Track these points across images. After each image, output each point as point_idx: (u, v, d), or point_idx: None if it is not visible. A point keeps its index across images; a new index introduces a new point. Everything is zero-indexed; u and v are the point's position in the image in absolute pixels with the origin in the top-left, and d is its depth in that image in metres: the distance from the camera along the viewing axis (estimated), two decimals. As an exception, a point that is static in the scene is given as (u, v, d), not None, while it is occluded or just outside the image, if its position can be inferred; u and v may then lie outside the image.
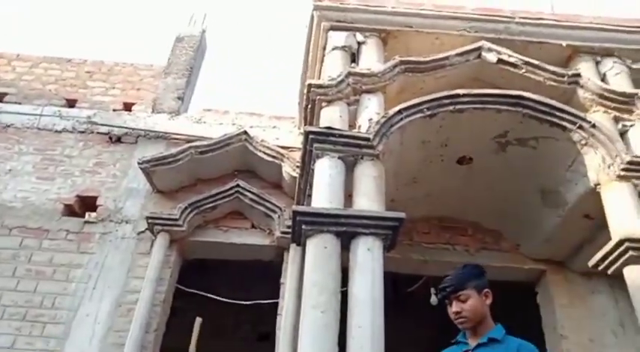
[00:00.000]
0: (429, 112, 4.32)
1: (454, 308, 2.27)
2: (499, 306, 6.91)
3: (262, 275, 5.64)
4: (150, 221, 5.32)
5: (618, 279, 4.14)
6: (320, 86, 4.50)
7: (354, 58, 4.87)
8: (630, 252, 3.80)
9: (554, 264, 5.20)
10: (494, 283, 5.67)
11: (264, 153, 5.69)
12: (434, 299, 5.44)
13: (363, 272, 3.52)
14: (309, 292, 3.49)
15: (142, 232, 5.47)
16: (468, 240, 5.31)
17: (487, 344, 2.20)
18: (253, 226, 5.60)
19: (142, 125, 6.35)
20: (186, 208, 5.37)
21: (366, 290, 3.43)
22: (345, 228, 3.69)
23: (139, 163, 5.58)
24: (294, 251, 5.08)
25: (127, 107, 6.70)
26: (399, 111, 4.27)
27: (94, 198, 5.80)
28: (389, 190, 4.31)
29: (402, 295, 6.13)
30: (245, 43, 28.15)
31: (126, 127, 6.34)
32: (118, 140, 6.29)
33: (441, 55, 4.78)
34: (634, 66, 4.88)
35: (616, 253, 3.89)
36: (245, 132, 5.76)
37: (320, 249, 3.65)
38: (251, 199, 5.48)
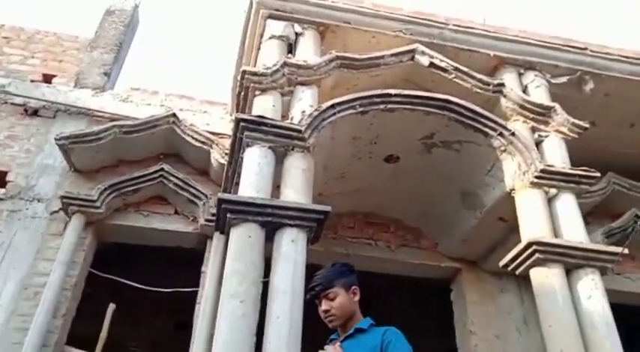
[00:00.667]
0: (361, 109, 4.38)
1: (323, 306, 2.29)
2: (417, 303, 7.20)
3: (183, 262, 5.50)
4: (64, 201, 5.03)
5: (525, 280, 4.41)
6: (254, 74, 4.43)
7: (291, 48, 4.83)
8: (537, 255, 4.05)
9: (468, 263, 5.45)
10: (413, 279, 5.91)
11: (193, 138, 5.54)
12: (354, 293, 5.55)
13: (286, 263, 3.52)
14: (229, 281, 3.45)
15: (55, 212, 5.16)
16: (390, 236, 5.45)
17: (353, 335, 2.24)
18: (177, 212, 5.44)
19: (62, 99, 5.97)
20: (105, 190, 5.12)
21: (287, 281, 3.44)
22: (271, 219, 3.67)
23: (56, 139, 5.25)
24: (217, 239, 4.99)
25: (47, 79, 6.29)
26: (332, 106, 4.30)
27: (4, 173, 5.41)
28: (317, 184, 4.33)
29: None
30: (181, 22, 27.28)
31: (44, 100, 5.94)
32: (35, 113, 5.89)
33: (376, 54, 4.86)
34: (553, 80, 5.18)
35: (524, 255, 4.14)
36: (174, 115, 5.57)
37: (244, 238, 3.61)
38: (176, 184, 5.32)
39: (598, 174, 4.46)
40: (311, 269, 4.86)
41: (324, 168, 4.76)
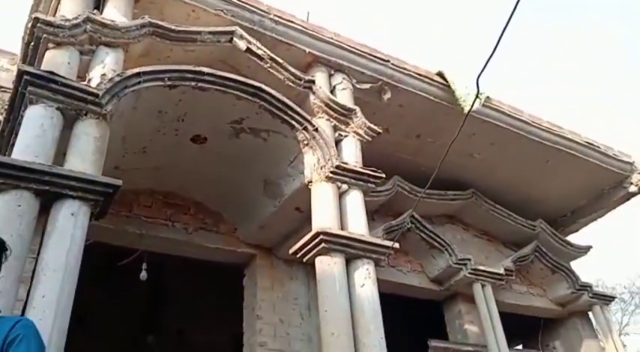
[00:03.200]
0: (170, 83, 4.18)
1: None
2: (214, 287, 7.12)
3: None
4: None
5: (313, 268, 4.68)
6: (50, 24, 3.92)
7: (98, 4, 4.40)
8: (323, 244, 4.33)
9: (263, 250, 5.60)
10: (210, 263, 5.85)
11: (-35, 87, 4.70)
12: (144, 275, 5.30)
13: (61, 238, 3.18)
14: (-13, 254, 2.98)
15: None
16: (189, 218, 5.32)
17: None
18: None
19: None
20: None
21: (60, 258, 3.10)
22: (49, 188, 3.28)
23: None
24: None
25: None
26: (138, 74, 4.02)
27: None
28: (114, 156, 4.02)
29: (115, 268, 5.80)
30: (-24, -45, 23.08)
31: None
32: None
33: (194, 29, 4.69)
34: (357, 85, 5.60)
35: (312, 244, 4.39)
36: (-58, 57, 4.66)
37: (11, 206, 3.16)
38: None
39: (384, 175, 4.92)
40: (98, 248, 4.54)
41: (123, 140, 4.44)
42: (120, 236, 4.93)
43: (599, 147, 7.50)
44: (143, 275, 5.29)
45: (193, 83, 4.26)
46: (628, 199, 8.11)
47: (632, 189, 7.87)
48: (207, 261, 5.61)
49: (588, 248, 8.37)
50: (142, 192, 5.13)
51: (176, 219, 5.23)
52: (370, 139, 5.16)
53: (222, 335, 6.52)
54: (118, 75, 3.92)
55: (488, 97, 6.44)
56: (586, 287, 7.70)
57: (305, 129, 4.68)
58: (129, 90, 3.96)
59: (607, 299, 8.10)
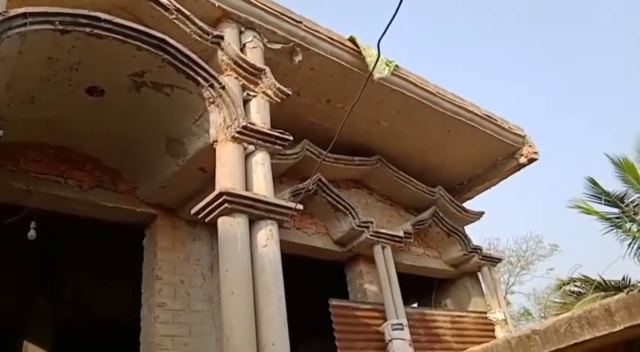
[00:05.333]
0: (61, 27, 3.84)
1: None
2: (113, 249, 6.85)
3: None
4: None
5: (217, 229, 4.62)
6: None
7: None
8: (226, 205, 4.28)
9: (165, 210, 5.44)
10: (108, 224, 5.59)
11: None
12: (32, 234, 4.97)
13: None
14: None
15: None
16: (84, 175, 5.01)
17: None
18: None
19: None
20: None
21: None
22: None
23: None
24: None
25: None
26: (24, 15, 3.66)
27: None
28: (-5, 104, 3.65)
29: (4, 227, 5.38)
30: None
31: None
32: None
33: (91, -30, 4.32)
34: (269, 45, 5.50)
35: (215, 204, 4.33)
36: None
37: None
38: None
39: (291, 138, 4.92)
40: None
41: (7, 87, 4.06)
42: (4, 191, 4.56)
43: (496, 120, 8.00)
44: (31, 234, 4.95)
45: (88, 29, 3.94)
46: (518, 169, 8.77)
47: (522, 160, 8.52)
48: (104, 220, 5.35)
49: (481, 213, 9.00)
50: (31, 146, 4.75)
51: (69, 175, 4.91)
52: (279, 101, 5.11)
53: (122, 298, 6.30)
54: (0, 14, 3.54)
55: (397, 66, 6.60)
56: (476, 249, 8.31)
57: (211, 86, 4.53)
58: (13, 32, 3.59)
59: (494, 260, 8.81)
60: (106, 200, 5.04)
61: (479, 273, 8.59)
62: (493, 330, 7.81)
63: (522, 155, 8.46)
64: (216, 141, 4.65)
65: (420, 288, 8.61)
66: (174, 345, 4.78)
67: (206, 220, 4.45)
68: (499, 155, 8.54)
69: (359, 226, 6.89)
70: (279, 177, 6.63)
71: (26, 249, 5.79)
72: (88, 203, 4.98)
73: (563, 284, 9.61)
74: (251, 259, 4.27)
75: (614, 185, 9.36)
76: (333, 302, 6.36)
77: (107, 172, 5.20)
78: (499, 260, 9.23)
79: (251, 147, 4.72)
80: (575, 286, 9.36)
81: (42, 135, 4.81)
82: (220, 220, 4.34)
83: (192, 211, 4.53)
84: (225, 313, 4.05)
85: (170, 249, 5.27)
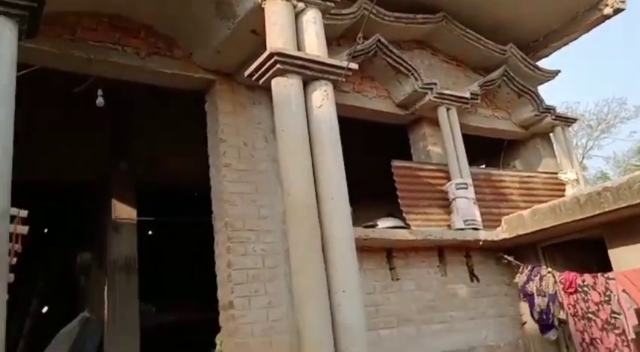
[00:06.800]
0: None
1: None
2: (179, 114, 7.16)
3: None
4: None
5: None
6: None
7: None
8: (278, 65, 4.23)
9: (223, 75, 5.48)
10: (167, 90, 5.77)
11: None
12: (100, 101, 5.23)
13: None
14: None
15: None
16: (139, 42, 5.06)
17: None
18: None
19: None
20: None
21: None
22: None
23: None
24: None
25: None
26: None
27: None
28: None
29: (76, 97, 5.70)
30: None
31: None
32: None
33: None
34: None
35: (267, 65, 4.29)
36: None
37: None
38: None
39: (342, -8, 4.62)
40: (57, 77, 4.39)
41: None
42: (66, 60, 4.73)
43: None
44: (100, 101, 5.21)
45: None
46: (602, 22, 7.87)
47: (607, 11, 7.59)
48: (165, 87, 5.50)
49: (556, 72, 8.37)
50: (85, 14, 4.80)
51: (125, 43, 4.97)
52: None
53: (192, 159, 6.63)
54: None
55: None
56: (550, 109, 7.87)
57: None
58: None
59: (569, 120, 8.36)
60: (163, 66, 5.13)
61: (551, 134, 8.24)
62: (563, 190, 7.65)
63: (607, 5, 7.52)
64: (264, 0, 4.47)
65: (487, 150, 8.45)
66: (243, 201, 5.10)
67: (260, 82, 4.45)
68: (580, 6, 7.64)
69: (422, 88, 6.66)
70: (337, 40, 6.39)
71: (100, 116, 6.16)
72: (146, 70, 5.09)
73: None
74: (307, 121, 4.30)
75: None
76: (396, 163, 6.39)
77: (162, 39, 5.21)
78: (574, 120, 8.74)
79: (301, 5, 4.51)
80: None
81: (94, 3, 4.81)
82: (274, 81, 4.32)
83: (246, 73, 4.53)
84: (284, 171, 4.20)
85: (231, 113, 5.38)
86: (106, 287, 7.58)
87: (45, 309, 10.32)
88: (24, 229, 4.10)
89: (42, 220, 7.68)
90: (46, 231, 10.11)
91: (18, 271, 3.94)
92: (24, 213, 4.08)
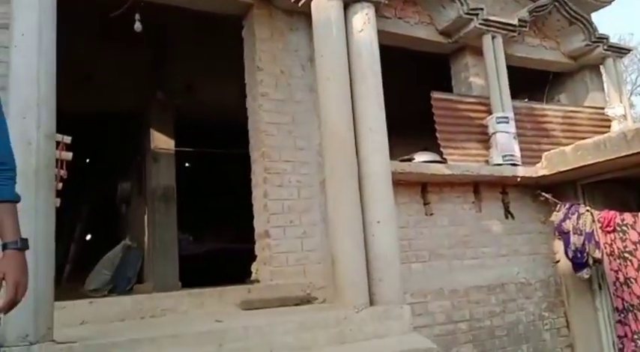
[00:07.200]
0: None
1: None
2: (209, 39, 7.06)
3: None
4: None
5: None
6: None
7: None
8: (318, -15, 4.03)
9: (260, 0, 5.28)
10: (206, 14, 5.61)
11: None
12: (137, 26, 5.14)
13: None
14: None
15: None
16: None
17: None
18: None
19: None
20: None
21: None
22: None
23: None
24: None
25: None
26: None
27: None
28: None
29: (115, 25, 5.62)
30: None
31: None
32: None
33: None
34: None
35: (306, -15, 4.08)
36: None
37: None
38: None
39: None
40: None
41: None
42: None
43: None
44: (137, 26, 5.11)
45: None
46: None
47: None
48: (202, 11, 5.34)
49: (613, -3, 7.78)
50: None
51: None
52: None
53: (229, 88, 6.56)
54: None
55: None
56: (602, 39, 7.39)
57: None
58: None
59: (622, 51, 7.85)
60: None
61: (601, 66, 7.78)
62: (609, 127, 7.30)
63: None
64: None
65: (531, 83, 8.07)
66: (279, 132, 5.05)
67: (299, 4, 4.27)
68: None
69: (467, 14, 6.29)
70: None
71: (137, 43, 6.08)
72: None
73: None
74: (347, 45, 4.14)
75: None
76: (435, 94, 6.18)
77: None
78: (628, 50, 8.21)
79: None
80: None
81: None
82: (314, 4, 4.15)
83: (286, -6, 4.34)
84: (322, 98, 4.12)
85: (268, 39, 5.22)
86: (145, 216, 7.82)
87: (89, 236, 10.81)
88: (68, 155, 4.19)
89: (85, 149, 7.86)
90: (88, 160, 10.40)
91: (63, 197, 4.05)
92: (68, 138, 4.15)
